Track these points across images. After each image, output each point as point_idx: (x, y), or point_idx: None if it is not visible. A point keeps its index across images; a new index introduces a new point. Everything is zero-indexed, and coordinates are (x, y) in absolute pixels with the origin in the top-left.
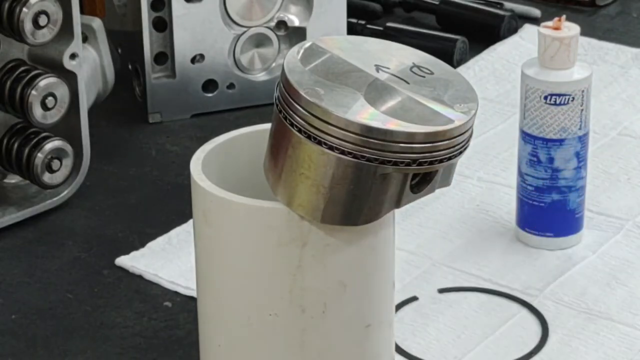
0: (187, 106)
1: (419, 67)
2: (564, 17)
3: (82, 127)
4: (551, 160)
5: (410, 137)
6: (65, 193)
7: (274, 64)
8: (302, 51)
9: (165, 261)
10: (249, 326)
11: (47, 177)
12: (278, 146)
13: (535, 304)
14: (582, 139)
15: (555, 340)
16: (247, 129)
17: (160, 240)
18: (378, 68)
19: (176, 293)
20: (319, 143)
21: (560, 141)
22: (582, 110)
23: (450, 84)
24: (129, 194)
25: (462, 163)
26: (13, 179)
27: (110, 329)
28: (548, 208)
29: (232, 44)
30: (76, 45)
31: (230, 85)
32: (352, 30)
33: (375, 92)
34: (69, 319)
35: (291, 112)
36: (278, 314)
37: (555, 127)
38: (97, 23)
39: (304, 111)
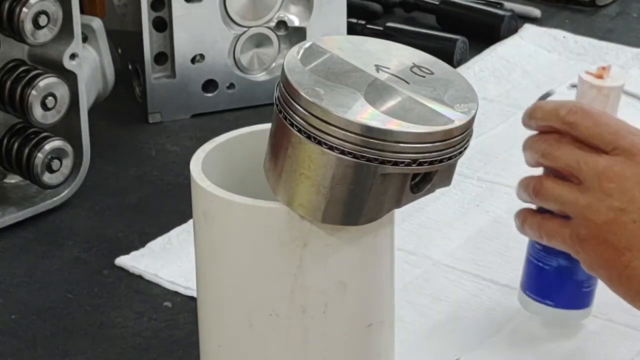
0: (187, 106)
1: (419, 67)
2: (610, 66)
3: (82, 127)
4: None
5: (410, 137)
6: (65, 193)
7: (274, 64)
8: (302, 51)
9: (165, 261)
10: (249, 326)
11: (47, 177)
12: (278, 146)
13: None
14: None
15: (555, 340)
16: (247, 129)
17: (160, 240)
18: (378, 68)
19: (176, 293)
20: (319, 143)
21: None
22: None
23: (450, 84)
24: (129, 194)
25: (462, 163)
26: (13, 179)
27: (110, 329)
28: (553, 272)
29: (232, 44)
30: (76, 45)
31: (230, 85)
32: (352, 30)
33: (375, 92)
34: (69, 319)
35: (291, 112)
36: (278, 314)
37: None
38: (97, 23)
39: (304, 111)
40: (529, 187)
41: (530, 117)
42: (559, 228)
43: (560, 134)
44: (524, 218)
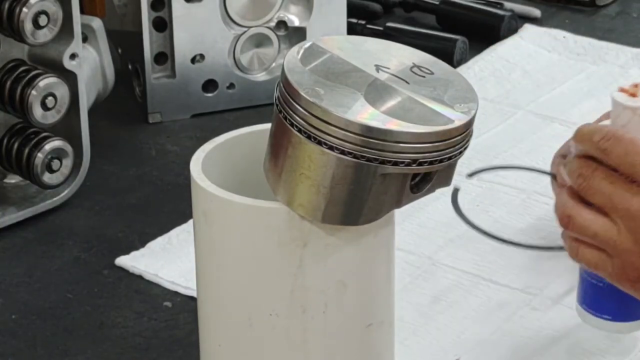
0: (187, 106)
1: (419, 67)
2: None
3: (82, 127)
4: None
5: (410, 137)
6: (65, 193)
7: (274, 64)
8: (302, 51)
9: (165, 261)
10: (249, 326)
11: (47, 177)
12: (278, 146)
13: (535, 303)
14: None
15: (555, 339)
16: (247, 129)
17: (160, 240)
18: (378, 68)
19: (176, 293)
20: (319, 143)
21: None
22: None
23: (450, 84)
24: (129, 194)
25: (462, 163)
26: (13, 179)
27: (110, 329)
28: (607, 288)
29: (232, 44)
30: (76, 45)
31: (230, 85)
32: (352, 30)
33: (375, 92)
34: (69, 319)
35: (291, 112)
36: (279, 314)
37: None
38: (97, 23)
39: (304, 111)
40: (558, 215)
41: (573, 139)
42: (599, 261)
43: (597, 162)
44: (564, 241)
